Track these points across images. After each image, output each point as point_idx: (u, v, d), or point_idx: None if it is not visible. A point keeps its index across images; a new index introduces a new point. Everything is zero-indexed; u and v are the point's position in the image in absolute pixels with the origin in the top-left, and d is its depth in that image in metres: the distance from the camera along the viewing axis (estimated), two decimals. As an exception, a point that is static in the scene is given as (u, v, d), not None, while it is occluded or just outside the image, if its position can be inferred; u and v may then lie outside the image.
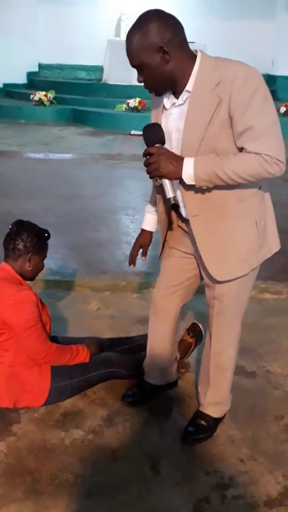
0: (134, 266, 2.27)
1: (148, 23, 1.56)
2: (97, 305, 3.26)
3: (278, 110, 9.68)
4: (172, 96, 1.71)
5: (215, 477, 1.95)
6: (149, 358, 2.32)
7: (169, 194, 1.68)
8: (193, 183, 1.65)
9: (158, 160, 1.64)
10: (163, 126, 1.73)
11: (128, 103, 9.75)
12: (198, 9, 11.60)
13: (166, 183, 1.69)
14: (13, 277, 2.15)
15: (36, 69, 12.64)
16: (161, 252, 2.12)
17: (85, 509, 1.78)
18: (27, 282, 2.22)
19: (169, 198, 1.69)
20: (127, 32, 1.63)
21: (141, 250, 2.25)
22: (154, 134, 1.71)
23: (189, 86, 1.63)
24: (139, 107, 9.66)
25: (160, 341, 2.26)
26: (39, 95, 10.26)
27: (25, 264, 2.17)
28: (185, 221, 1.91)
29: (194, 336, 2.64)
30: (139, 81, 1.66)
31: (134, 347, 2.60)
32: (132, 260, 2.24)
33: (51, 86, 10.99)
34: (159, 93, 1.72)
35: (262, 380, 2.56)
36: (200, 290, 2.17)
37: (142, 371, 2.36)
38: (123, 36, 9.93)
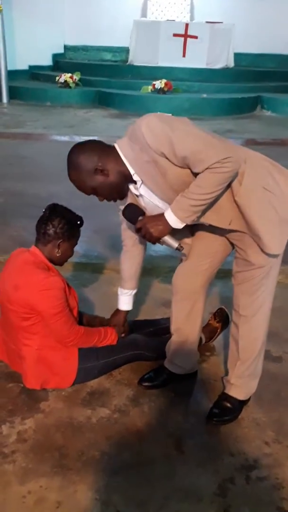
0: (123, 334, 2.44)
1: (75, 159, 1.84)
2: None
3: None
4: (133, 185, 1.91)
5: (239, 459, 1.97)
6: (171, 342, 2.33)
7: (175, 246, 1.89)
8: (182, 224, 1.79)
9: (146, 229, 1.84)
10: (147, 208, 1.94)
11: (154, 85, 9.67)
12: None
13: (166, 239, 1.88)
14: (41, 261, 2.17)
15: (61, 50, 12.61)
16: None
17: (111, 486, 1.82)
18: (56, 267, 2.24)
19: (177, 249, 1.90)
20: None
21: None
22: (132, 212, 1.93)
23: (131, 170, 1.84)
24: (165, 89, 9.57)
25: (183, 323, 2.26)
26: (65, 77, 10.25)
27: (54, 250, 2.17)
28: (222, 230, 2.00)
29: (221, 321, 2.64)
30: (100, 201, 1.95)
31: (159, 329, 2.61)
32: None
33: (77, 68, 10.95)
34: (122, 196, 1.96)
35: (288, 365, 2.56)
36: (224, 275, 2.16)
37: (165, 355, 2.38)
38: (150, 17, 9.78)
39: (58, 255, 2.19)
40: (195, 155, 1.65)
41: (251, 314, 2.05)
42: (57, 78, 10.37)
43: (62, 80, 10.27)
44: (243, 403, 2.20)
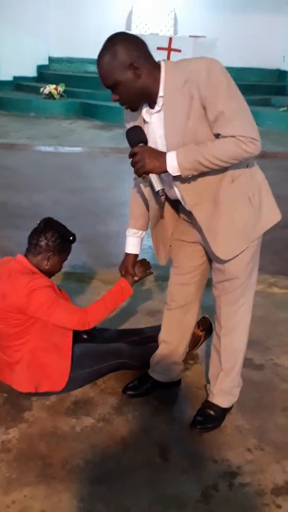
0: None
1: (115, 44, 1.70)
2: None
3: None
4: (148, 108, 1.82)
5: (223, 465, 1.98)
6: (158, 352, 2.35)
7: (157, 187, 1.80)
8: (178, 173, 1.73)
9: (142, 158, 1.75)
10: (148, 137, 1.84)
11: (137, 97, 9.76)
12: (209, 3, 11.59)
13: (153, 177, 1.80)
14: (26, 267, 2.18)
15: (46, 62, 12.65)
16: (158, 251, 2.19)
17: (95, 494, 1.82)
18: None
19: (158, 191, 1.80)
20: (97, 62, 1.74)
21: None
22: (135, 135, 1.83)
23: (161, 92, 1.74)
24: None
25: (173, 334, 2.29)
26: (49, 88, 10.29)
27: (44, 262, 2.20)
28: (187, 212, 1.98)
29: (204, 329, 2.67)
30: (113, 100, 1.78)
31: (144, 338, 2.63)
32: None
33: (61, 79, 10.99)
34: (135, 107, 1.82)
35: (270, 373, 2.59)
36: (207, 283, 2.20)
37: (149, 364, 2.40)
38: (134, 30, 9.85)
39: (47, 267, 2.21)
40: (232, 117, 1.64)
41: (232, 325, 2.08)
42: (41, 89, 10.40)
43: (46, 91, 10.31)
44: (226, 410, 2.23)
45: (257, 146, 1.67)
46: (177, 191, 1.88)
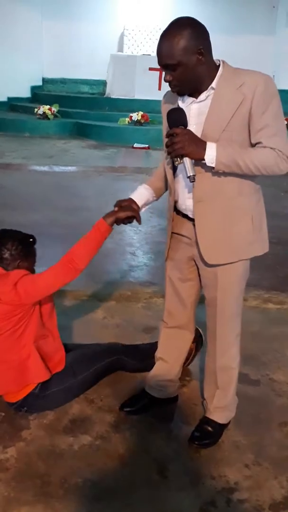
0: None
1: (187, 27, 1.70)
2: (103, 314, 3.32)
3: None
4: (187, 97, 1.85)
5: (220, 482, 1.99)
6: (155, 368, 2.36)
7: (190, 172, 1.77)
8: (213, 165, 1.76)
9: (183, 139, 1.73)
10: None
11: (131, 117, 9.89)
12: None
13: (187, 162, 1.77)
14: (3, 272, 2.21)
15: (40, 83, 12.82)
16: (167, 253, 2.16)
17: (94, 512, 1.83)
18: None
19: (190, 176, 1.77)
20: (161, 34, 1.75)
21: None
22: (179, 117, 1.80)
23: (214, 84, 1.78)
24: (142, 121, 9.79)
25: (170, 352, 2.30)
26: (43, 108, 10.41)
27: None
28: (180, 223, 2.04)
29: (195, 341, 2.68)
30: (166, 80, 1.77)
31: (139, 354, 2.64)
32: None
33: (55, 100, 11.13)
34: (184, 92, 1.83)
35: (266, 388, 2.61)
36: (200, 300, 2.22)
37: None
38: (126, 51, 10.02)
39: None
40: (276, 132, 1.74)
41: (226, 344, 2.10)
42: (35, 109, 10.52)
43: (40, 111, 10.42)
44: (224, 426, 2.24)
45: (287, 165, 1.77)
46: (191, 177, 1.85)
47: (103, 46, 12.14)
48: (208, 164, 1.76)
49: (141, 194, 2.15)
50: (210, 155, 1.74)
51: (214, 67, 1.79)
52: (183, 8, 10.84)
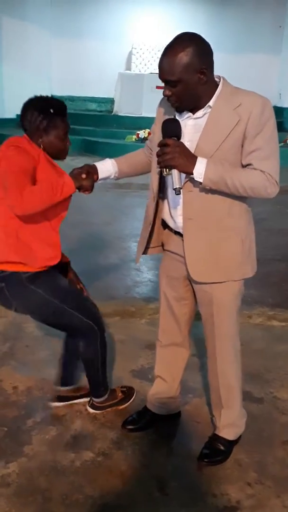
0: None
1: (191, 44, 1.69)
2: (106, 330, 3.31)
3: (285, 141, 9.91)
4: (185, 112, 1.84)
5: (222, 500, 1.98)
6: (154, 386, 2.36)
7: (176, 184, 1.75)
8: (200, 180, 1.75)
9: (174, 151, 1.72)
10: None
11: (138, 134, 9.97)
12: (206, 43, 11.98)
13: (175, 174, 1.75)
14: (23, 141, 2.02)
15: (48, 100, 12.98)
16: (141, 252, 2.14)
17: (94, 529, 1.82)
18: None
19: (175, 188, 1.76)
20: (165, 48, 1.73)
21: None
22: (174, 128, 1.80)
23: (211, 102, 1.78)
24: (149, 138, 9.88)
25: (167, 370, 2.30)
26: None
27: (39, 146, 2.02)
28: (171, 240, 2.05)
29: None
30: (165, 94, 1.77)
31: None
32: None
33: (63, 117, 11.26)
34: (183, 108, 1.83)
35: (269, 406, 2.60)
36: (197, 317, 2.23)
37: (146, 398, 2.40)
38: (134, 70, 10.15)
39: (42, 149, 2.02)
40: (268, 155, 1.75)
41: (226, 362, 2.10)
42: (43, 126, 10.63)
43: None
44: (233, 443, 2.23)
45: (276, 190, 1.78)
46: (181, 199, 1.89)
47: (111, 64, 12.30)
48: (196, 178, 1.76)
49: (106, 168, 2.13)
50: (199, 170, 1.73)
51: (213, 85, 1.79)
52: (190, 27, 10.95)
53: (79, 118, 11.72)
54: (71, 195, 1.99)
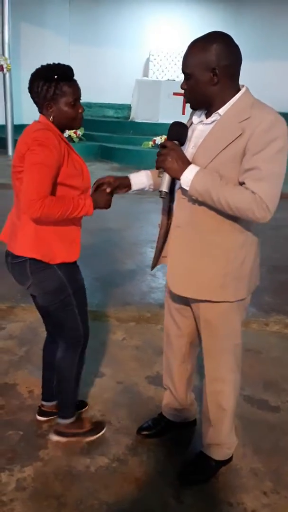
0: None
1: (214, 42, 1.64)
2: (122, 335, 3.33)
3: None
4: (203, 115, 1.81)
5: (238, 509, 1.96)
6: (165, 395, 2.34)
7: (163, 187, 1.74)
8: (187, 188, 1.70)
9: (167, 154, 1.71)
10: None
11: (154, 140, 10.00)
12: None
13: (165, 177, 1.74)
14: (45, 123, 1.94)
15: (66, 107, 13.09)
16: (156, 261, 2.08)
17: (109, 536, 1.81)
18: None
19: (160, 191, 1.74)
20: (188, 45, 1.70)
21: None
22: (177, 132, 1.78)
23: (221, 111, 1.72)
24: (165, 144, 9.90)
25: (171, 380, 2.26)
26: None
27: (49, 117, 1.93)
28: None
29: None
30: (182, 87, 1.74)
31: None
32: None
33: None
34: (194, 106, 1.80)
35: (286, 415, 2.57)
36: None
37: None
38: (151, 76, 10.20)
39: (52, 119, 1.94)
40: (264, 177, 1.61)
41: (212, 377, 2.03)
42: (61, 133, 10.73)
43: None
44: (220, 463, 2.15)
45: (266, 215, 1.64)
46: (175, 205, 1.86)
47: (129, 71, 12.39)
48: (183, 185, 1.71)
49: (140, 180, 2.09)
50: (187, 178, 1.69)
51: (231, 92, 1.70)
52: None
53: (96, 124, 11.82)
54: None
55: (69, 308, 2.10)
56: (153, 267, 2.12)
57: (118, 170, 9.30)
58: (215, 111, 1.73)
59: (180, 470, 2.13)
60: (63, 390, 2.25)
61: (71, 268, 2.07)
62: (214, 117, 1.74)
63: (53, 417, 2.40)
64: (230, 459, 2.18)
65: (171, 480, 2.09)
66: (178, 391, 2.26)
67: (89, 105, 13.18)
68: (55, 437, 2.29)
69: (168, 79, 11.95)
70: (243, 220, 1.75)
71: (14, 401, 2.57)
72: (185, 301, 2.02)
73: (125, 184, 2.09)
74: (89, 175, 2.04)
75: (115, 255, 4.78)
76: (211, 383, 2.03)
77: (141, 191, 2.14)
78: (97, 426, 2.37)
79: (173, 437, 2.34)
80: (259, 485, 2.09)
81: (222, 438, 2.09)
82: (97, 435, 2.33)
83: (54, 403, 2.40)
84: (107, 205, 2.04)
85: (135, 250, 5.00)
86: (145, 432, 2.34)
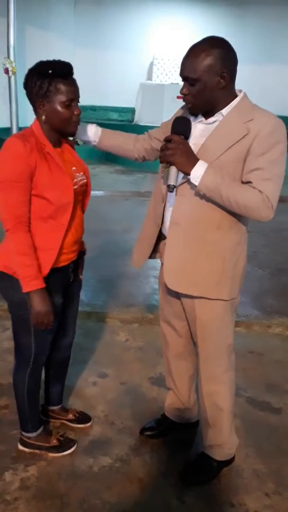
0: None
1: (218, 46, 1.67)
2: (126, 336, 3.34)
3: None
4: (200, 115, 1.81)
5: (239, 510, 1.97)
6: (168, 395, 2.35)
7: (171, 181, 1.71)
8: (196, 183, 1.70)
9: (176, 148, 1.69)
10: None
11: (158, 143, 10.05)
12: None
13: (173, 171, 1.72)
14: (29, 131, 1.82)
15: (70, 110, 13.14)
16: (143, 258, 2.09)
17: (112, 535, 1.82)
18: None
19: (169, 185, 1.72)
20: (191, 46, 1.71)
21: None
22: (183, 126, 1.77)
23: (224, 111, 1.75)
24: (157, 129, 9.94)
25: (173, 380, 2.28)
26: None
27: (41, 117, 1.80)
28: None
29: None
30: (182, 92, 1.74)
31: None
32: None
33: (85, 126, 11.39)
34: (195, 111, 1.79)
35: (288, 417, 2.58)
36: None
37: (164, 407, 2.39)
38: (155, 80, 10.23)
39: (44, 120, 1.80)
40: (269, 177, 1.67)
41: (212, 383, 2.03)
42: (65, 135, 10.77)
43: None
44: (222, 464, 2.15)
45: (270, 215, 1.69)
46: (174, 200, 1.85)
47: (133, 75, 12.43)
48: (192, 180, 1.71)
49: (89, 131, 2.15)
50: (197, 173, 1.69)
51: (232, 95, 1.75)
52: (211, 39, 11.05)
53: (100, 127, 11.84)
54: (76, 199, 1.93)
55: (26, 326, 1.94)
56: (139, 263, 2.10)
57: (121, 173, 9.34)
58: (217, 111, 1.75)
59: (182, 470, 2.15)
60: (17, 405, 2.16)
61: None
62: (216, 117, 1.76)
63: (59, 420, 2.42)
64: (233, 459, 2.19)
65: (174, 480, 2.10)
66: (180, 391, 2.28)
67: (94, 108, 13.24)
68: (19, 446, 2.24)
69: (172, 83, 11.97)
70: (241, 219, 1.80)
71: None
72: (179, 302, 2.03)
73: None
74: (71, 191, 1.85)
75: (119, 257, 4.80)
76: (206, 384, 2.05)
77: (86, 144, 2.17)
78: (65, 443, 2.25)
79: (176, 437, 2.35)
80: (261, 486, 2.10)
81: (223, 438, 2.10)
82: (62, 453, 2.21)
83: (56, 407, 2.42)
84: (46, 320, 1.86)
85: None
86: (148, 433, 2.36)
